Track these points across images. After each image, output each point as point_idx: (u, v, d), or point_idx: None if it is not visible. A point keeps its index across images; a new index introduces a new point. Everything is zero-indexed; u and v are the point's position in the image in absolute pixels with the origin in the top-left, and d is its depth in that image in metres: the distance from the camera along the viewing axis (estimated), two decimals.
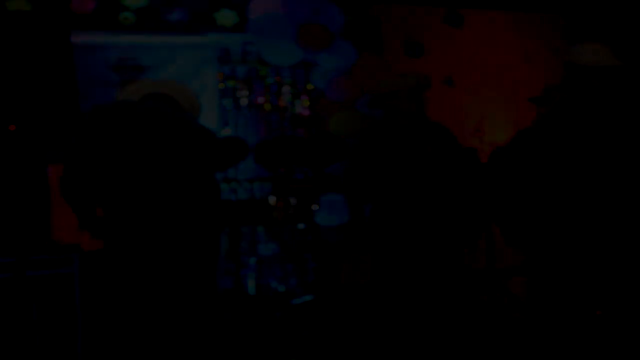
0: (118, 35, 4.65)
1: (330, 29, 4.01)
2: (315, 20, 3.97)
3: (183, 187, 2.65)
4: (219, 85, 4.99)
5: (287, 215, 4.88)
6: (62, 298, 3.68)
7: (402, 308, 3.18)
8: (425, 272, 3.17)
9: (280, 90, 5.09)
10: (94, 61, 4.69)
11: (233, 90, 5.01)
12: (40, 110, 4.10)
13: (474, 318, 3.92)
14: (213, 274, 2.84)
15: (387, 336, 3.22)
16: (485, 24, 5.66)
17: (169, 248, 2.62)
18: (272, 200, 4.89)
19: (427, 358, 3.15)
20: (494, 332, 4.00)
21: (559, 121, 2.59)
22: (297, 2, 3.97)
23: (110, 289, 2.69)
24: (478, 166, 3.43)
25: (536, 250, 2.63)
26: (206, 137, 2.75)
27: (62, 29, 4.22)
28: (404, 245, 3.17)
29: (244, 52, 5.01)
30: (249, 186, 4.97)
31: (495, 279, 4.70)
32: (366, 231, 3.31)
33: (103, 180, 2.60)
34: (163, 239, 2.61)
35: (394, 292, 3.20)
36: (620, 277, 2.48)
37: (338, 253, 4.55)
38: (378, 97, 3.39)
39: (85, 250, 3.76)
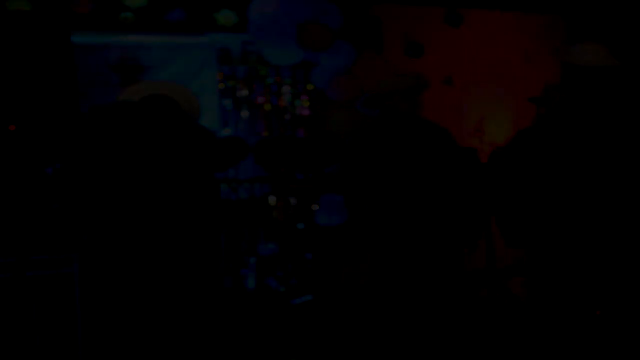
0: (118, 35, 4.65)
1: (330, 29, 4.01)
2: (315, 20, 3.98)
3: (183, 188, 2.65)
4: (219, 85, 4.99)
5: (287, 215, 4.88)
6: (62, 298, 3.68)
7: (402, 308, 3.18)
8: (424, 273, 3.17)
9: (280, 90, 5.09)
10: (94, 61, 4.69)
11: (233, 90, 5.01)
12: (40, 110, 4.10)
13: (473, 318, 3.92)
14: (213, 274, 2.84)
15: (387, 336, 3.22)
16: (485, 24, 5.66)
17: (169, 248, 2.62)
18: (272, 200, 4.89)
19: (427, 358, 3.15)
20: (494, 332, 4.00)
21: (559, 121, 2.59)
22: (297, 2, 3.97)
23: (110, 289, 2.69)
24: (478, 166, 3.43)
25: (536, 250, 2.63)
26: (206, 138, 2.76)
27: (62, 29, 4.22)
28: (402, 245, 3.17)
29: (244, 52, 5.01)
30: (249, 186, 4.97)
31: (495, 279, 4.70)
32: (364, 231, 3.31)
33: (103, 181, 2.60)
34: (163, 239, 2.61)
35: (394, 293, 3.20)
36: (620, 277, 2.48)
37: (338, 253, 4.55)
38: (374, 97, 3.39)
39: (85, 250, 3.76)
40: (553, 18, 5.84)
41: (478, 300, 4.53)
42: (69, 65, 4.25)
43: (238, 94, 5.01)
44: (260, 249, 4.96)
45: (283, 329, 4.38)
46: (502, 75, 5.66)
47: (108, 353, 2.73)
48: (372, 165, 3.21)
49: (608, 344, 2.47)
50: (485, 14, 5.64)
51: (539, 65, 5.72)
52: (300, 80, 5.11)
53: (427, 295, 3.17)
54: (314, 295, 4.79)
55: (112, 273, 2.67)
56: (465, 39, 5.49)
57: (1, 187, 3.89)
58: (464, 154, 3.42)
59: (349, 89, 4.18)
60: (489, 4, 5.59)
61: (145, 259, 2.61)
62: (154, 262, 2.61)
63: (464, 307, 3.32)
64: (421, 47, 5.17)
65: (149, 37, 4.77)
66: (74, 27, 4.34)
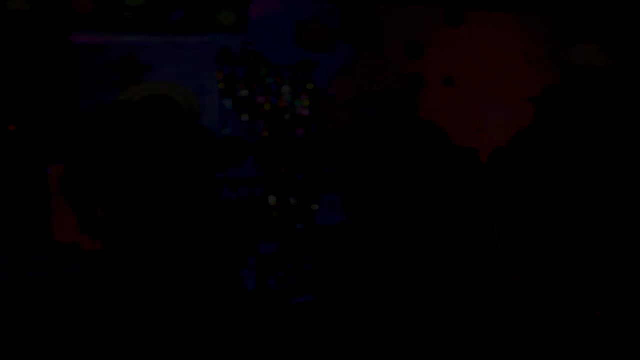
0: (118, 35, 4.65)
1: (330, 29, 4.01)
2: (315, 20, 3.98)
3: (183, 188, 2.65)
4: (219, 85, 4.99)
5: (287, 215, 4.88)
6: (62, 298, 3.68)
7: (402, 308, 3.18)
8: (424, 272, 3.17)
9: (280, 90, 5.09)
10: (94, 61, 4.69)
11: (233, 90, 5.01)
12: (41, 110, 4.11)
13: (473, 318, 3.92)
14: (213, 274, 2.84)
15: (387, 336, 3.22)
16: (485, 24, 5.66)
17: (169, 248, 2.63)
18: (272, 200, 4.89)
19: (427, 358, 3.15)
20: (494, 331, 4.00)
21: (559, 121, 2.59)
22: (297, 2, 3.97)
23: (110, 289, 2.69)
24: (478, 166, 3.43)
25: (536, 250, 2.63)
26: (206, 138, 2.76)
27: (62, 29, 4.22)
28: (402, 245, 3.17)
29: (244, 52, 5.01)
30: (249, 186, 4.97)
31: (495, 278, 4.70)
32: (363, 231, 3.31)
33: (104, 181, 2.60)
34: (163, 239, 2.62)
35: (394, 292, 3.20)
36: (620, 277, 2.48)
37: (338, 253, 4.55)
38: (371, 97, 3.39)
39: (85, 250, 3.76)
40: (553, 18, 5.84)
41: (478, 300, 4.52)
42: (69, 65, 4.26)
43: (238, 94, 5.01)
44: (260, 249, 4.96)
45: (283, 329, 4.38)
46: (502, 75, 5.66)
47: (108, 353, 2.73)
48: (370, 165, 3.21)
49: (608, 344, 2.47)
50: (485, 14, 5.64)
51: (539, 65, 5.72)
52: (300, 80, 5.11)
53: (427, 295, 3.17)
54: (314, 295, 4.80)
55: (112, 273, 2.68)
56: (466, 39, 5.49)
57: (1, 188, 3.89)
58: (464, 154, 3.42)
59: (349, 89, 4.18)
60: (489, 4, 5.59)
61: (146, 259, 2.61)
62: (155, 262, 2.61)
63: (464, 306, 3.33)
64: (421, 47, 5.17)
65: (149, 37, 4.77)
66: (74, 27, 4.34)
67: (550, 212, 2.54)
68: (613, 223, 2.48)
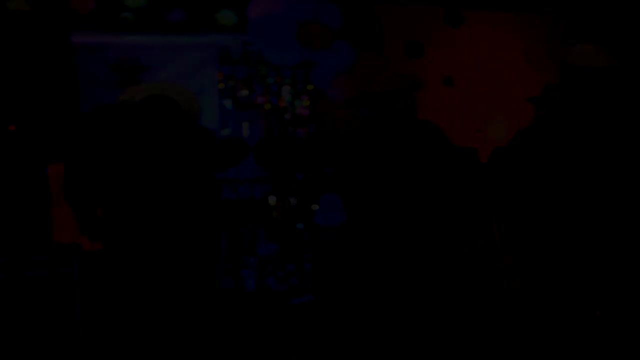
0: (118, 35, 4.65)
1: (330, 29, 4.01)
2: (315, 20, 3.98)
3: (183, 188, 2.65)
4: (219, 85, 4.99)
5: (287, 215, 4.88)
6: (62, 298, 3.68)
7: (402, 308, 3.18)
8: (424, 273, 3.17)
9: (280, 90, 5.09)
10: (94, 61, 4.69)
11: (233, 90, 5.01)
12: (41, 110, 4.11)
13: (473, 318, 3.92)
14: (213, 274, 2.84)
15: (387, 336, 3.22)
16: (485, 24, 5.66)
17: (169, 248, 2.63)
18: (272, 200, 4.89)
19: (427, 358, 3.15)
20: (494, 331, 4.00)
21: (559, 121, 2.59)
22: (297, 2, 3.97)
23: (110, 289, 2.69)
24: (478, 166, 3.43)
25: (536, 250, 2.63)
26: (206, 138, 2.76)
27: (62, 29, 4.22)
28: (401, 245, 3.17)
29: (244, 52, 5.01)
30: (249, 186, 4.97)
31: (495, 279, 4.70)
32: (363, 231, 3.31)
33: (104, 181, 2.60)
34: (163, 239, 2.62)
35: (394, 292, 3.20)
36: (620, 277, 2.48)
37: (338, 253, 4.55)
38: (370, 97, 3.40)
39: (85, 250, 3.76)
40: (553, 18, 5.84)
41: (478, 300, 4.53)
42: (69, 65, 4.26)
43: (238, 94, 5.01)
44: (260, 249, 4.96)
45: (283, 329, 4.38)
46: (502, 75, 5.66)
47: (107, 353, 2.73)
48: (370, 165, 3.21)
49: (608, 344, 2.47)
50: (485, 14, 5.64)
51: (539, 65, 5.72)
52: (300, 80, 5.11)
53: (427, 295, 3.17)
54: (314, 295, 4.80)
55: (112, 273, 2.68)
56: (465, 39, 5.49)
57: (1, 187, 3.89)
58: (464, 154, 3.42)
59: (349, 89, 4.18)
60: (489, 4, 5.59)
61: (146, 259, 2.61)
62: (154, 262, 2.61)
63: (464, 306, 3.33)
64: (421, 47, 5.17)
65: (149, 37, 4.76)
66: (74, 27, 4.34)
67: (550, 212, 2.54)
68: (613, 223, 2.48)
